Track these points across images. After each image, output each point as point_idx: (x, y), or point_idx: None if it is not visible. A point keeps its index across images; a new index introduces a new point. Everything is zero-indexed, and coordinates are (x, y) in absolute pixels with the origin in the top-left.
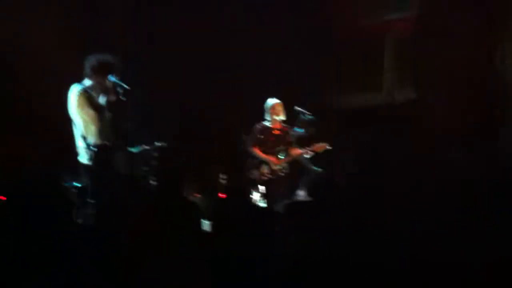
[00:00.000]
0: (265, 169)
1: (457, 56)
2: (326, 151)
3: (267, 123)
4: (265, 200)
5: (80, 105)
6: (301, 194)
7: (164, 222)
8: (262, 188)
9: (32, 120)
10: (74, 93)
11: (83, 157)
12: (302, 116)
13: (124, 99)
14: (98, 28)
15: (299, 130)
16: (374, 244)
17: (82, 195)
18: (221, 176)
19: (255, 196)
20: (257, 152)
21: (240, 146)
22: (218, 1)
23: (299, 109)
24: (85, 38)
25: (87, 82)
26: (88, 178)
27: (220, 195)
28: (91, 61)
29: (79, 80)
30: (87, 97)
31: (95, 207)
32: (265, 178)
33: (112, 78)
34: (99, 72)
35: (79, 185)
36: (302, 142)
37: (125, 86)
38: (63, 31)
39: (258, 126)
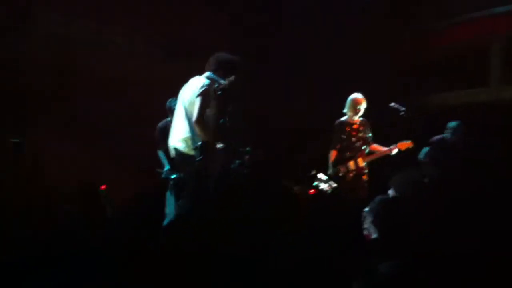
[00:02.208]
0: (352, 166)
1: None
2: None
3: (346, 119)
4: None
5: (205, 98)
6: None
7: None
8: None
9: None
10: (202, 84)
11: (189, 149)
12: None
13: (219, 93)
14: None
15: None
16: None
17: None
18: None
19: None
20: (332, 156)
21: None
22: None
23: (395, 104)
24: None
25: (209, 75)
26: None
27: (310, 191)
28: (219, 57)
29: None
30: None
31: (193, 196)
32: (351, 174)
33: (209, 74)
34: (223, 69)
35: (175, 175)
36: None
37: (222, 81)
38: None
39: (338, 123)
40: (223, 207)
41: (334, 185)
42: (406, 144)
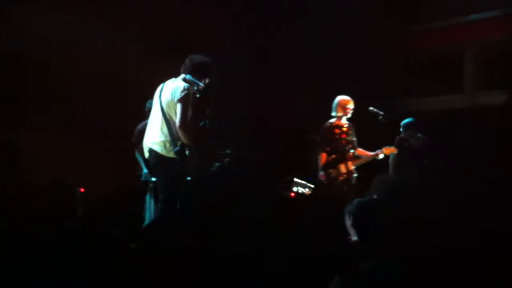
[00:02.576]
0: (343, 169)
1: None
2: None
3: (335, 121)
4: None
5: (186, 102)
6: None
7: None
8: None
9: None
10: (181, 88)
11: (167, 151)
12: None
13: (198, 96)
14: None
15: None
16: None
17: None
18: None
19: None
20: (322, 157)
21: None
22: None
23: (373, 109)
24: None
25: (187, 77)
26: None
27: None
28: (194, 59)
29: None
30: (192, 93)
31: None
32: (342, 178)
33: (188, 76)
34: (199, 71)
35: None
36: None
37: (201, 84)
38: None
39: (327, 125)
40: (206, 208)
41: (312, 186)
42: (391, 149)
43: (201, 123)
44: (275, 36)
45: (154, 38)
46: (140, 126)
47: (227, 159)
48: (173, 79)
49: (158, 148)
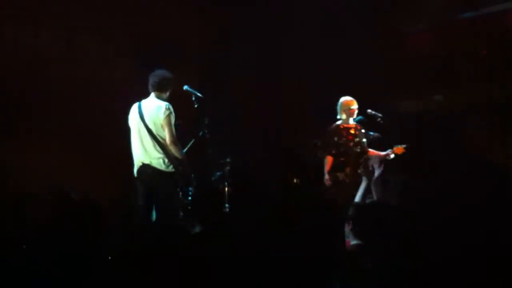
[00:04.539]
0: (350, 171)
1: None
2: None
3: (341, 123)
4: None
5: (171, 120)
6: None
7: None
8: None
9: None
10: (164, 108)
11: (166, 166)
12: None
13: (196, 106)
14: None
15: (372, 133)
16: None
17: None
18: (295, 180)
19: None
20: (328, 161)
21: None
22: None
23: (371, 111)
24: None
25: (155, 95)
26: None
27: None
28: (156, 75)
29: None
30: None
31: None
32: (348, 180)
33: (186, 87)
34: (163, 86)
35: None
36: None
37: (199, 94)
38: None
39: (334, 127)
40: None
41: None
42: (401, 148)
43: (200, 133)
44: (269, 38)
45: (146, 49)
46: None
47: (227, 168)
48: (148, 98)
49: (157, 165)
